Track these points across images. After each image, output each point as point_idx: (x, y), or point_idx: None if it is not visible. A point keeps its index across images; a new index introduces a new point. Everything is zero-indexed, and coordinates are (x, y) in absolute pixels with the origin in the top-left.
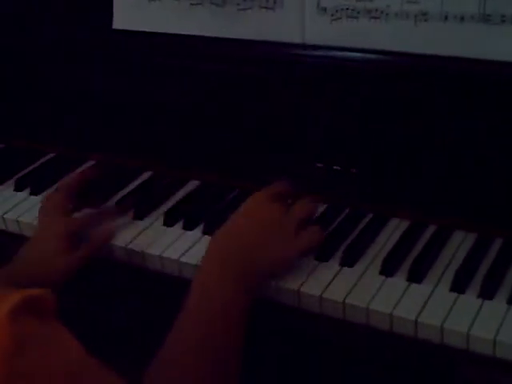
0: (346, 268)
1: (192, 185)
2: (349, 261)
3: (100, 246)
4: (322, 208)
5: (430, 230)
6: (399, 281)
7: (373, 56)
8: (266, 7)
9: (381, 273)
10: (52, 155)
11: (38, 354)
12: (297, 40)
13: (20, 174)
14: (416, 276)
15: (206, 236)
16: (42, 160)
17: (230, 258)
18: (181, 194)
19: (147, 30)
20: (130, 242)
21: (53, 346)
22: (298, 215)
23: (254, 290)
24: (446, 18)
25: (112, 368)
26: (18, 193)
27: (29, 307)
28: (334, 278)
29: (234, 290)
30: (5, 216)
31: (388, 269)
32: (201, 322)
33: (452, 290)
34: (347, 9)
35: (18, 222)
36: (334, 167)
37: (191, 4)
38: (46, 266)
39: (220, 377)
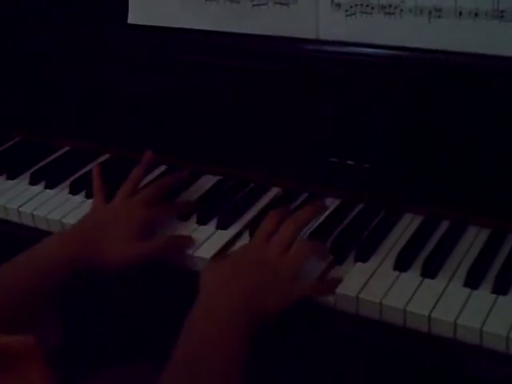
0: (360, 263)
1: (206, 179)
2: (363, 256)
3: (174, 249)
4: (335, 203)
5: (444, 226)
6: (413, 276)
7: (387, 52)
8: (280, 3)
9: (395, 268)
10: (67, 149)
11: None
12: (311, 36)
13: (35, 168)
14: (430, 271)
15: (219, 231)
16: (57, 154)
17: (235, 311)
18: (195, 188)
19: (162, 24)
20: None
21: None
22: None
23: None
24: (460, 14)
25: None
26: (33, 186)
27: None
28: (347, 274)
29: (240, 340)
30: (20, 209)
31: (402, 264)
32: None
33: (465, 285)
34: (361, 4)
35: (32, 215)
36: (348, 162)
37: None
38: (114, 246)
39: None
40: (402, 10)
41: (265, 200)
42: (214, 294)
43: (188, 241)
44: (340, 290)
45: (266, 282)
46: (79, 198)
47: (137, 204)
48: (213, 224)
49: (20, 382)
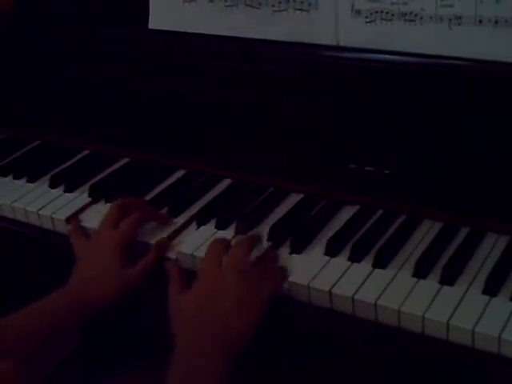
0: (378, 270)
1: (225, 183)
2: (381, 262)
3: (156, 260)
4: (354, 209)
5: (463, 232)
6: (431, 283)
7: (407, 59)
8: (300, 9)
9: (413, 275)
10: (87, 152)
11: None
12: (331, 42)
13: (55, 171)
14: (448, 278)
15: (238, 236)
16: (77, 157)
17: (205, 339)
18: (214, 192)
19: (182, 30)
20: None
21: None
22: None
23: (238, 350)
24: (480, 21)
25: None
26: (53, 190)
27: None
28: (366, 280)
29: (218, 365)
30: (39, 212)
31: (420, 271)
32: None
33: (484, 292)
34: (381, 11)
35: (52, 218)
36: (367, 168)
37: (226, 6)
38: (103, 282)
39: None
40: (422, 18)
41: (286, 206)
42: (186, 345)
43: (164, 244)
44: (358, 296)
45: (231, 306)
46: None
47: (104, 231)
48: (231, 229)
49: None
